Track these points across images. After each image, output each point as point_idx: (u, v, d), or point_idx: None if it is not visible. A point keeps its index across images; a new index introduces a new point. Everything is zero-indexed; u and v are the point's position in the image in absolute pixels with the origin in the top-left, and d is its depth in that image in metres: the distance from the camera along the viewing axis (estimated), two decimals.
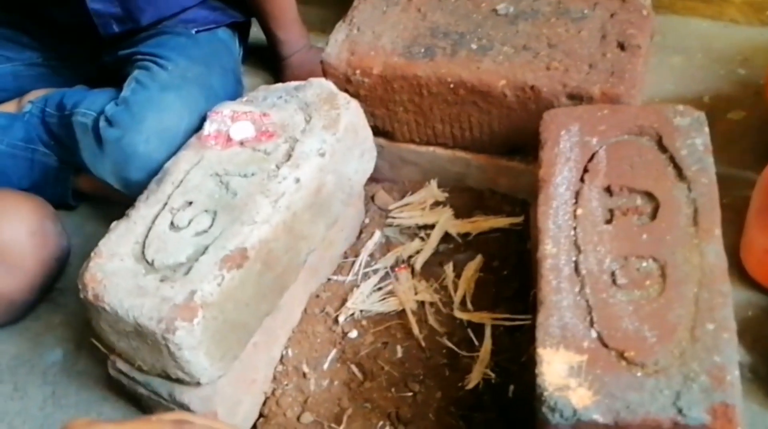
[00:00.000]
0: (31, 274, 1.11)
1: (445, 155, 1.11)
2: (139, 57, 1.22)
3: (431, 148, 1.12)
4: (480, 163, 1.10)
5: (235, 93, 1.26)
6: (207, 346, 0.84)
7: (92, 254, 0.90)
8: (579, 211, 0.83)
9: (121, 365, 0.94)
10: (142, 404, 0.98)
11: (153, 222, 0.92)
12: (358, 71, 1.05)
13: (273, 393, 0.99)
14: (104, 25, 1.24)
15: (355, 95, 1.05)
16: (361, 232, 1.14)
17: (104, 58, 1.31)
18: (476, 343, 0.98)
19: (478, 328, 0.99)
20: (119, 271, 0.88)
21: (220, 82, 1.22)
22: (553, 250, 0.80)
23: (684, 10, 1.37)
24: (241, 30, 1.39)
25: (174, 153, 1.01)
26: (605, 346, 0.73)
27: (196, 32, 1.28)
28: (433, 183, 1.14)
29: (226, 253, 0.86)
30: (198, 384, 0.88)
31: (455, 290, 1.03)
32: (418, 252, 1.08)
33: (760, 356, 0.94)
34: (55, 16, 1.29)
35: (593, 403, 0.69)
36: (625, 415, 0.68)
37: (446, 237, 1.10)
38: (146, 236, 0.90)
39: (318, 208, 0.96)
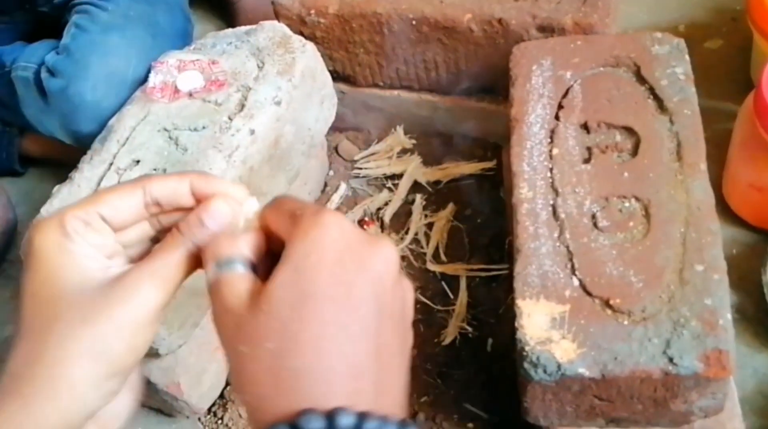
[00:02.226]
0: None
1: (411, 99, 1.05)
2: (77, 1, 1.14)
3: (396, 92, 1.06)
4: (448, 105, 1.04)
5: (184, 30, 1.19)
6: (163, 314, 0.78)
7: (33, 222, 0.84)
8: (555, 151, 0.77)
9: None
10: None
11: (98, 184, 0.85)
12: (312, 11, 0.98)
13: None
14: None
15: (310, 38, 0.98)
16: (325, 186, 1.08)
17: (39, 8, 1.23)
18: (451, 296, 0.93)
19: (453, 281, 0.95)
20: None
21: (166, 18, 1.15)
22: (529, 194, 0.75)
23: None
24: None
25: (125, 99, 0.94)
26: (588, 294, 0.68)
27: None
28: (400, 129, 1.08)
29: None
30: (157, 355, 0.82)
31: (427, 242, 0.98)
32: (386, 203, 1.03)
33: (746, 295, 0.91)
34: None
35: (578, 356, 0.65)
36: (612, 368, 0.64)
37: (415, 186, 1.04)
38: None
39: (277, 162, 0.90)
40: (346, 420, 0.39)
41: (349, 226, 0.44)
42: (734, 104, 0.98)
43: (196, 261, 0.47)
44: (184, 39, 1.20)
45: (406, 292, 0.46)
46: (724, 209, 0.98)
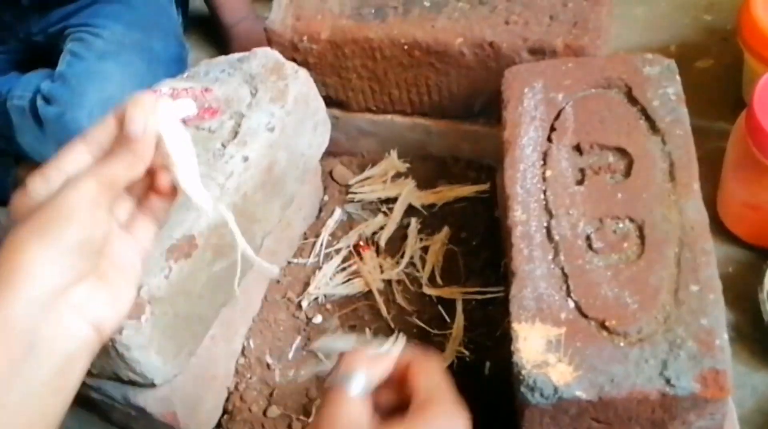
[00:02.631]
0: None
1: (404, 123, 1.05)
2: (72, 30, 1.16)
3: (389, 117, 1.06)
4: (441, 129, 1.04)
5: (179, 56, 1.20)
6: (158, 344, 0.78)
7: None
8: (548, 173, 0.77)
9: None
10: (97, 408, 0.92)
11: None
12: (305, 37, 0.98)
13: (236, 387, 0.93)
14: None
15: (303, 64, 0.98)
16: (320, 211, 1.08)
17: (34, 37, 1.23)
18: (448, 319, 0.93)
19: (449, 304, 0.94)
20: None
21: (161, 45, 1.16)
22: (523, 217, 0.75)
23: None
24: None
25: None
26: (584, 316, 0.68)
27: None
28: (393, 153, 1.08)
29: (173, 242, 0.80)
30: (153, 385, 0.82)
31: (423, 266, 0.98)
32: (381, 228, 1.02)
33: (743, 314, 0.91)
34: None
35: (575, 379, 0.64)
36: (609, 390, 0.63)
37: (410, 210, 1.04)
38: None
39: (271, 188, 0.90)
40: None
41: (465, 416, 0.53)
42: (727, 123, 0.99)
43: (136, 168, 0.54)
44: (178, 65, 1.21)
45: None
46: (720, 228, 0.98)
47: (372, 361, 0.54)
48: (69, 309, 0.50)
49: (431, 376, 0.55)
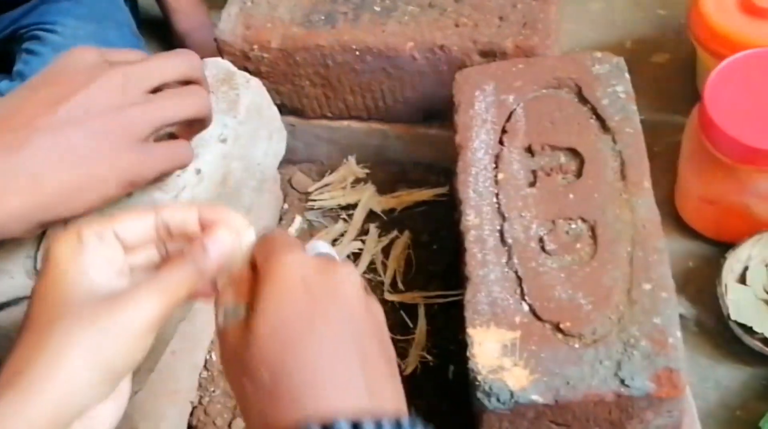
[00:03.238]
0: None
1: (361, 128, 1.05)
2: (23, 31, 1.15)
3: (345, 123, 1.05)
4: (398, 133, 1.04)
5: (135, 46, 1.20)
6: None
7: (52, 233, 0.82)
8: (500, 176, 0.77)
9: None
10: None
11: (44, 232, 0.84)
12: (255, 46, 0.97)
13: (200, 402, 0.92)
14: None
15: (256, 73, 0.97)
16: (281, 219, 1.07)
17: None
18: (411, 325, 0.92)
19: (412, 309, 0.94)
20: (9, 292, 0.80)
21: (115, 36, 1.16)
22: (476, 221, 0.74)
23: None
24: None
25: None
26: (539, 318, 0.67)
27: None
28: (352, 159, 1.07)
29: None
30: None
31: (384, 271, 0.97)
32: (342, 234, 1.02)
33: (704, 308, 0.91)
34: None
35: (530, 383, 0.64)
36: (565, 393, 0.63)
37: (371, 215, 1.03)
38: (37, 249, 0.82)
39: (227, 199, 0.89)
40: (343, 426, 0.43)
41: (311, 261, 0.51)
42: (684, 117, 0.99)
43: (195, 285, 0.53)
44: None
45: (375, 306, 0.54)
46: (679, 223, 0.98)
47: (239, 289, 0.53)
48: (79, 422, 0.49)
49: (268, 244, 0.55)
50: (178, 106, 0.69)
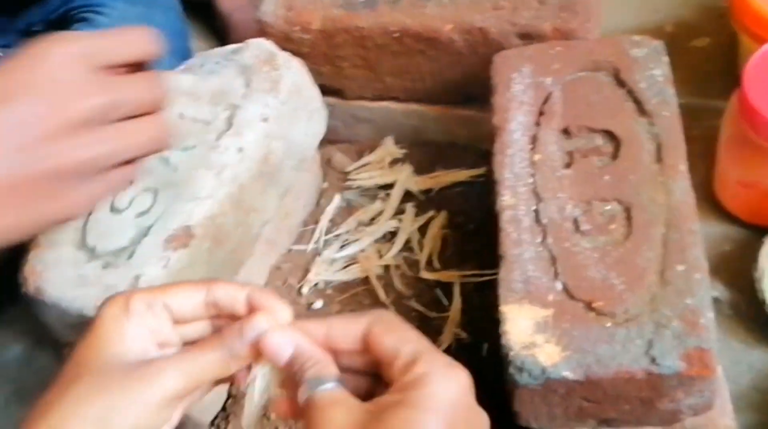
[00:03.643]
0: None
1: (399, 109, 1.07)
2: (73, 12, 1.18)
3: (384, 103, 1.07)
4: (436, 114, 1.05)
5: (181, 29, 1.24)
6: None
7: (31, 245, 0.86)
8: (536, 157, 0.78)
9: None
10: None
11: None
12: (297, 27, 0.99)
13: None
14: None
15: (297, 53, 0.99)
16: (319, 198, 1.09)
17: (34, 28, 1.26)
18: (446, 303, 0.94)
19: (447, 288, 0.95)
20: (60, 261, 0.83)
21: (163, 19, 1.19)
22: (512, 201, 0.76)
23: None
24: None
25: None
26: (572, 297, 0.69)
27: None
28: (389, 140, 1.09)
29: (170, 232, 0.81)
30: None
31: (420, 250, 0.99)
32: (380, 213, 1.04)
33: (739, 292, 0.91)
34: None
35: (562, 359, 0.65)
36: (596, 370, 0.65)
37: (408, 195, 1.05)
38: (86, 222, 0.86)
39: (268, 178, 0.91)
40: None
41: (468, 393, 0.49)
42: (723, 101, 0.99)
43: (226, 368, 0.51)
44: (182, 39, 1.24)
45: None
46: (716, 206, 0.98)
47: (323, 362, 0.50)
48: None
49: (402, 333, 0.51)
50: (131, 146, 0.64)
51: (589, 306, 0.68)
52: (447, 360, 0.50)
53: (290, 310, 0.57)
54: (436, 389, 0.47)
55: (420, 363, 0.48)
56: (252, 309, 0.53)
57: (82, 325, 0.80)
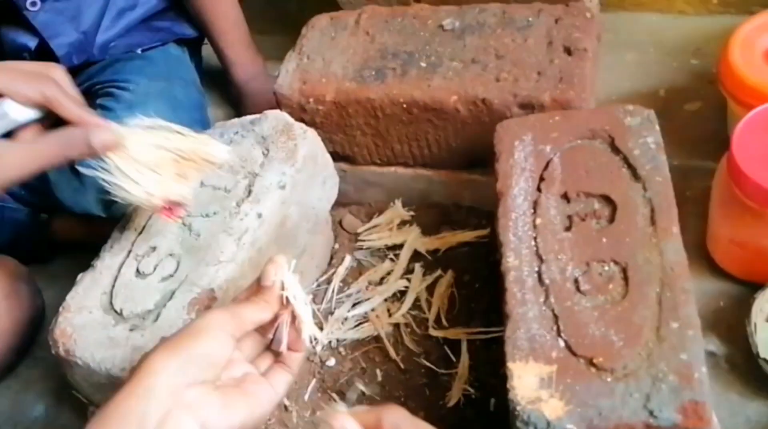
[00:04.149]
0: (6, 337, 1.10)
1: (407, 174, 1.12)
2: (98, 87, 1.25)
3: (392, 169, 1.12)
4: (442, 178, 1.10)
5: (199, 102, 1.30)
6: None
7: (60, 309, 0.90)
8: (538, 221, 0.83)
9: None
10: None
11: (119, 271, 0.92)
12: (311, 99, 1.05)
13: None
14: (66, 57, 1.25)
15: (311, 123, 1.05)
16: (331, 258, 1.14)
17: None
18: (454, 359, 0.98)
19: (455, 345, 0.99)
20: (88, 324, 0.88)
21: (182, 92, 1.25)
22: (516, 262, 0.80)
23: (633, 5, 1.38)
24: (192, 47, 1.43)
25: None
26: (574, 354, 0.73)
27: (144, 50, 1.30)
28: (398, 203, 1.14)
29: (194, 295, 0.86)
30: None
31: (429, 308, 1.03)
32: (389, 273, 1.08)
33: (735, 346, 0.94)
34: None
35: (566, 413, 0.69)
36: (598, 422, 0.68)
37: (416, 255, 1.10)
38: (113, 286, 0.90)
39: (284, 241, 0.96)
40: None
41: None
42: (715, 163, 1.03)
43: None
44: (199, 111, 1.30)
45: None
46: (710, 263, 1.02)
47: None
48: (181, 407, 0.61)
49: (404, 420, 0.62)
50: None
51: (590, 362, 0.72)
52: None
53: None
54: None
55: None
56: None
57: (110, 385, 0.84)
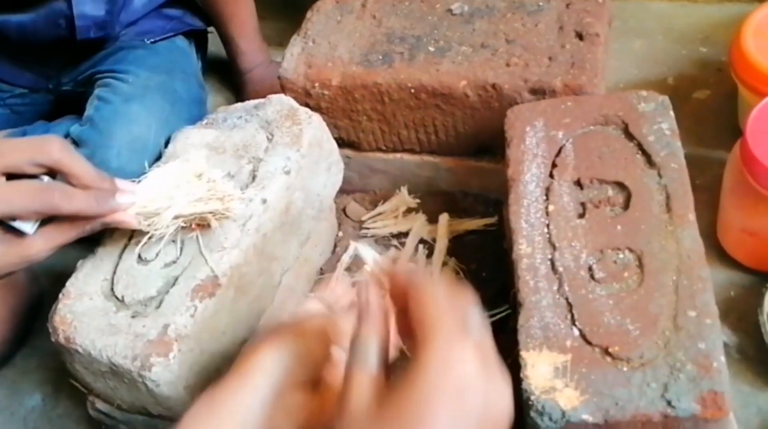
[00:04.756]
0: (3, 326, 1.09)
1: (413, 161, 1.10)
2: (99, 76, 1.22)
3: (399, 155, 1.11)
4: (449, 165, 1.09)
5: (199, 97, 1.27)
6: (186, 380, 0.82)
7: (60, 295, 0.88)
8: (551, 208, 0.81)
9: (101, 405, 0.92)
10: None
11: (120, 257, 0.90)
12: (317, 84, 1.03)
13: None
14: (84, 29, 1.20)
15: (316, 108, 1.03)
16: (335, 246, 1.12)
17: (63, 87, 1.29)
18: None
19: None
20: (89, 311, 0.85)
21: (182, 86, 1.22)
22: (528, 250, 0.79)
23: None
24: (198, 40, 1.40)
25: (147, 163, 0.99)
26: (588, 343, 0.71)
27: (152, 42, 1.27)
28: (404, 190, 1.13)
29: (197, 282, 0.84)
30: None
31: None
32: (394, 261, 1.06)
33: (746, 336, 0.94)
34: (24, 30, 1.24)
35: (581, 403, 0.68)
36: (614, 413, 0.67)
37: (421, 243, 1.08)
38: (114, 272, 0.88)
39: (288, 227, 0.94)
40: None
41: (474, 360, 0.51)
42: (725, 151, 1.02)
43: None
44: (199, 106, 1.27)
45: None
46: (720, 253, 1.01)
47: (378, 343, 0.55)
48: (281, 410, 0.58)
49: (428, 302, 0.53)
50: None
51: (605, 351, 0.70)
52: (459, 325, 0.51)
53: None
54: (433, 361, 0.49)
55: (427, 343, 0.50)
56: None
57: (111, 372, 0.83)
